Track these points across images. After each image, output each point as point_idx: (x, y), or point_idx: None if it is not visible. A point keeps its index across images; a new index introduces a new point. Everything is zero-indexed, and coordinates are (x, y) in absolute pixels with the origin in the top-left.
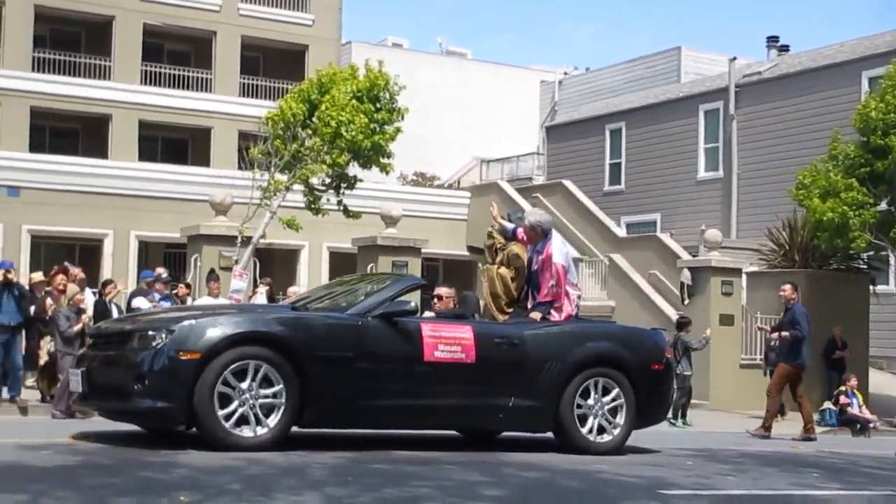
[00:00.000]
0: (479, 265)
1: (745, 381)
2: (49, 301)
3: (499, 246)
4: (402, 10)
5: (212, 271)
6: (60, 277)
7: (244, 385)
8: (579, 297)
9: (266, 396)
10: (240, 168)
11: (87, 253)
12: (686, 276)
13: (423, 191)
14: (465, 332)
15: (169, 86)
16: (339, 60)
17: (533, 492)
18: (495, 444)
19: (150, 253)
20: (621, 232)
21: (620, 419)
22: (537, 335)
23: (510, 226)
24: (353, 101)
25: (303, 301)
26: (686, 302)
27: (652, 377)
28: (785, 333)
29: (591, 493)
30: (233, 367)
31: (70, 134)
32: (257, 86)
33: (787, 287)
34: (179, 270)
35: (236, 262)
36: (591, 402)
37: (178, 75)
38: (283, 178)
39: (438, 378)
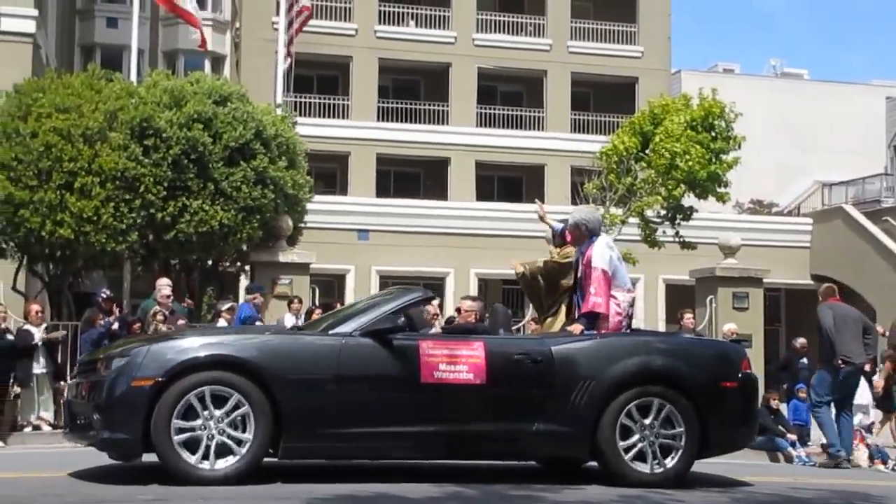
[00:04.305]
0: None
1: None
2: None
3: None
4: (732, 35)
5: None
6: None
7: (207, 413)
8: (632, 303)
9: (235, 425)
10: (574, 203)
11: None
12: None
13: (762, 219)
14: (474, 350)
15: (503, 126)
16: (670, 90)
17: None
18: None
19: (489, 289)
20: None
21: (678, 445)
22: (567, 350)
23: (558, 226)
24: (688, 131)
25: (318, 321)
26: None
27: (721, 397)
28: None
29: None
30: (192, 393)
31: (412, 178)
32: (588, 121)
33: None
34: (519, 308)
35: None
36: (638, 425)
37: (511, 115)
38: (618, 211)
39: (438, 401)
